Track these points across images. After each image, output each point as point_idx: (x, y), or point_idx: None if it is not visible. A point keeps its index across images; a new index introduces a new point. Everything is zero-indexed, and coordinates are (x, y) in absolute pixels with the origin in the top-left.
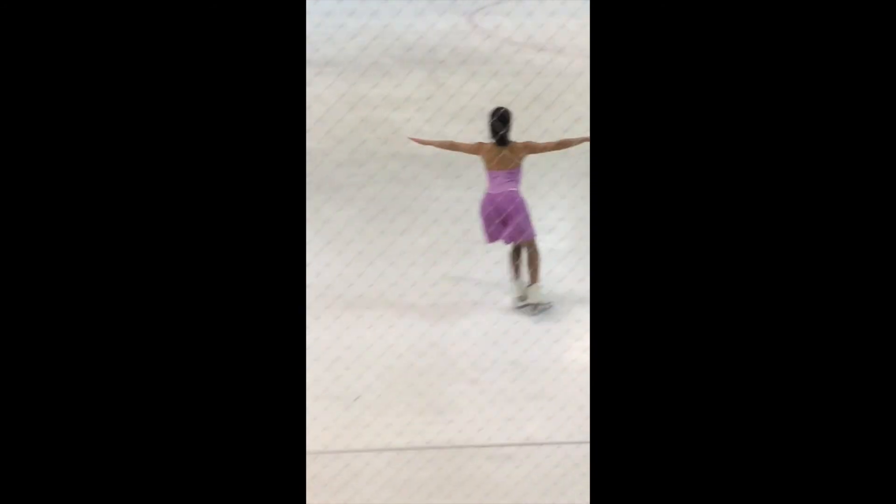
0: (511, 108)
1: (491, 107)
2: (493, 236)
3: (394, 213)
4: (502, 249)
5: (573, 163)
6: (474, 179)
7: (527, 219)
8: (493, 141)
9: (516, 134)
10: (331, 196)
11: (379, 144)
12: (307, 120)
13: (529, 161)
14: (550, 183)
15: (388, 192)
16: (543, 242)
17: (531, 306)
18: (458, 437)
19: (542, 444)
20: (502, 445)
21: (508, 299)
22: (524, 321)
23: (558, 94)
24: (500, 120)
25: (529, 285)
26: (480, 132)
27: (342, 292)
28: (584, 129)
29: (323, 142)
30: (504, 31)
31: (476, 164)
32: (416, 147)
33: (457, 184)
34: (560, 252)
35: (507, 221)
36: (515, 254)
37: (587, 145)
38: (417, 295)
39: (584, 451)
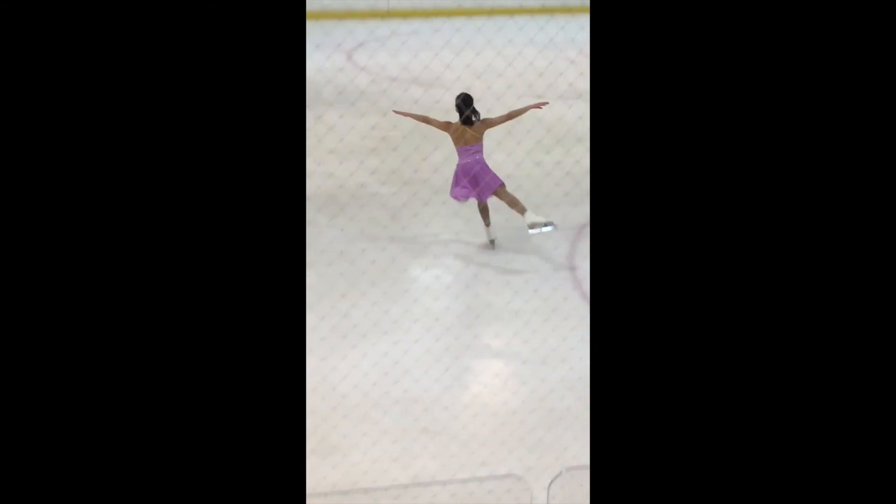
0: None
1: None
2: (464, 196)
3: None
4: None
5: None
6: (347, 222)
7: (493, 174)
8: (460, 121)
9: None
10: None
11: None
12: None
13: None
14: None
15: None
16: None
17: (538, 226)
18: (344, 482)
19: (429, 483)
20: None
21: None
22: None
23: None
24: (464, 103)
25: (525, 214)
26: (354, 172)
27: None
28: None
29: None
30: (378, 65)
31: None
32: None
33: (332, 224)
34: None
35: (477, 182)
36: (484, 208)
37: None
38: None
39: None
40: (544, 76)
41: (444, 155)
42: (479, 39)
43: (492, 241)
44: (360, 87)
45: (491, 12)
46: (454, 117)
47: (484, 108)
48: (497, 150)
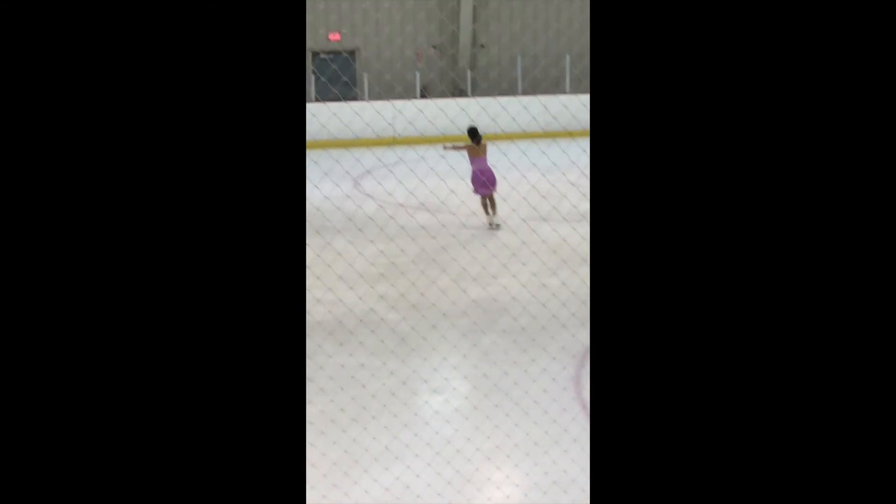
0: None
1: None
2: (482, 192)
3: None
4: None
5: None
6: (356, 347)
7: (491, 183)
8: (473, 143)
9: None
10: None
11: None
12: None
13: None
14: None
15: None
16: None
17: (495, 225)
18: None
19: None
20: None
21: None
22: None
23: (439, 251)
24: (473, 131)
25: (493, 215)
26: (363, 297)
27: None
28: (466, 284)
29: None
30: (386, 191)
31: None
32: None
33: (341, 350)
34: (446, 413)
35: (492, 181)
36: (485, 202)
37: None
38: (307, 466)
39: None
40: (548, 198)
41: (451, 278)
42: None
43: (497, 226)
44: (368, 214)
45: (494, 138)
46: (462, 237)
47: (480, 242)
48: (503, 273)
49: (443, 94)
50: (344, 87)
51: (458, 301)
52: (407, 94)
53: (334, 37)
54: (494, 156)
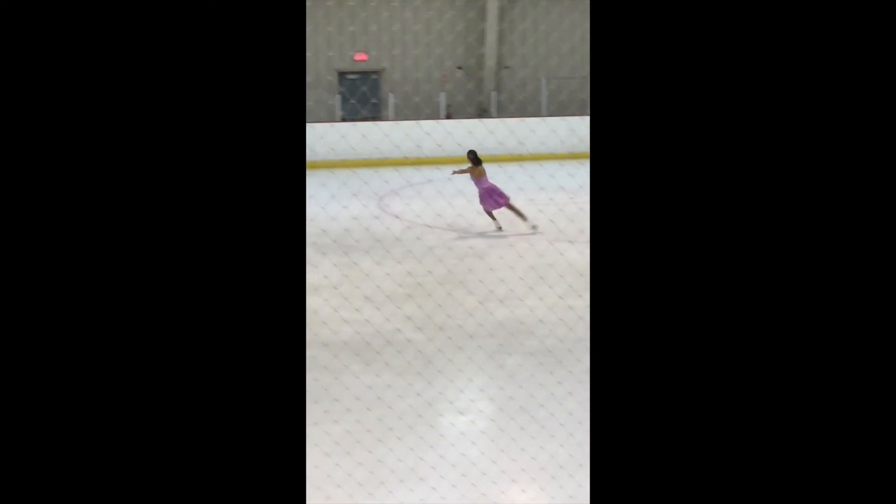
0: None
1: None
2: (501, 204)
3: (308, 402)
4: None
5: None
6: (383, 367)
7: (503, 193)
8: (475, 165)
9: None
10: None
11: None
12: None
13: None
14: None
15: (307, 377)
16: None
17: (534, 227)
18: None
19: None
20: None
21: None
22: None
23: (466, 273)
24: (474, 155)
25: (525, 220)
26: (390, 318)
27: None
28: (493, 306)
29: None
30: (413, 212)
31: None
32: (329, 335)
33: (368, 370)
34: (472, 433)
35: (503, 195)
36: (512, 210)
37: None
38: (332, 486)
39: None
40: (575, 220)
41: (477, 299)
42: (511, 185)
43: (534, 227)
44: (396, 234)
45: (520, 159)
46: (489, 259)
47: (515, 252)
48: (529, 295)
49: (468, 115)
50: (371, 108)
51: (485, 322)
52: (433, 114)
53: (360, 57)
54: (522, 178)
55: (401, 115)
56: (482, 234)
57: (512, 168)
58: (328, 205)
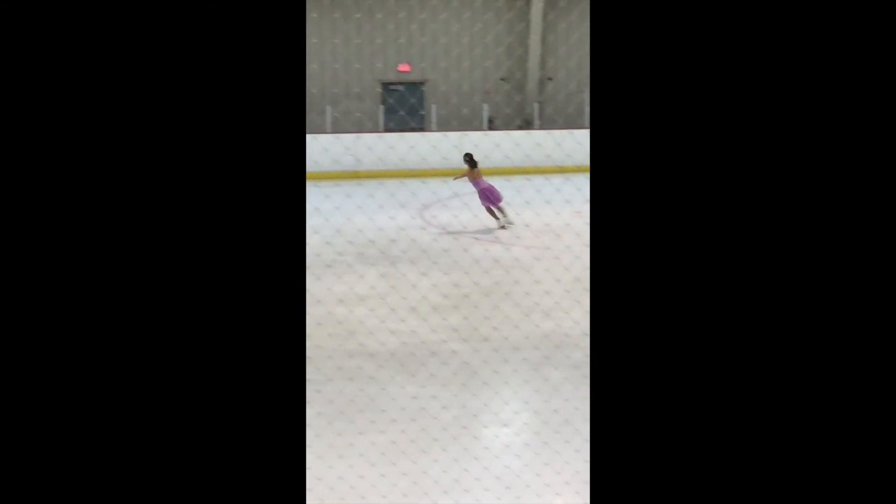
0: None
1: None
2: (496, 203)
3: (354, 412)
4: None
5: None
6: (428, 378)
7: (499, 193)
8: (472, 167)
9: None
10: None
11: (344, 339)
12: None
13: None
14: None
15: (353, 387)
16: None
17: (510, 224)
18: None
19: None
20: None
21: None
22: None
23: (512, 285)
24: (471, 158)
25: (506, 217)
26: (435, 329)
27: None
28: (538, 318)
29: None
30: (461, 223)
31: None
32: (375, 345)
33: (413, 381)
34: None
35: (499, 195)
36: (497, 211)
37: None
38: (377, 496)
39: None
40: None
41: (523, 311)
42: (559, 197)
43: (511, 223)
44: (442, 245)
45: (562, 171)
46: (535, 271)
47: (561, 265)
48: (575, 308)
49: (510, 125)
50: (416, 119)
51: (530, 335)
52: (475, 124)
53: (404, 68)
54: (568, 190)
55: (444, 126)
56: (528, 247)
57: (557, 180)
58: (375, 215)
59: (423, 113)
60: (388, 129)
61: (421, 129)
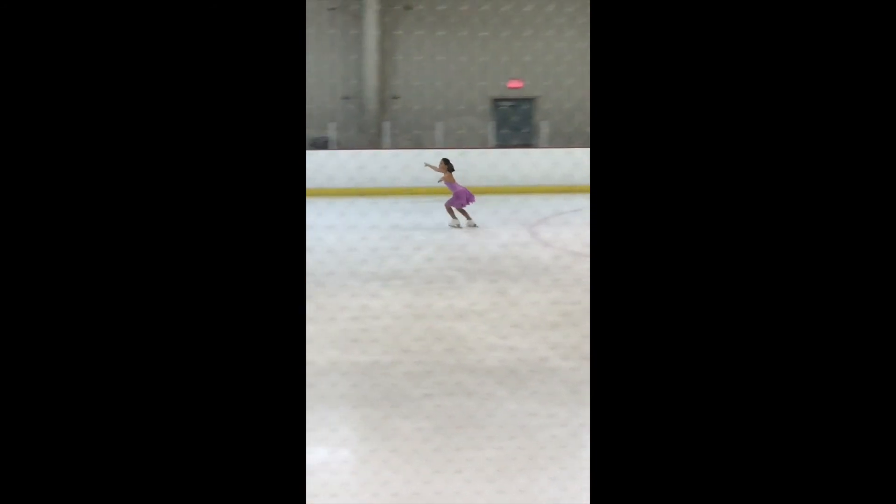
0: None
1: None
2: (465, 205)
3: (452, 429)
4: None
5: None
6: (527, 395)
7: (472, 195)
8: (450, 171)
9: None
10: (398, 405)
11: (444, 355)
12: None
13: None
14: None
15: (453, 402)
16: None
17: (472, 226)
18: None
19: None
20: None
21: None
22: None
23: None
24: (448, 161)
25: (469, 220)
26: (536, 346)
27: None
28: None
29: (392, 352)
30: (562, 240)
31: None
32: (478, 359)
33: (517, 395)
34: None
35: (470, 199)
36: (461, 213)
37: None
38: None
39: None
40: None
41: None
42: None
43: (466, 225)
44: (544, 263)
45: None
46: None
47: None
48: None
49: None
50: (523, 135)
51: None
52: (582, 143)
53: (514, 84)
54: None
55: (553, 143)
56: None
57: None
58: (477, 232)
59: (527, 129)
60: (497, 146)
61: (528, 145)
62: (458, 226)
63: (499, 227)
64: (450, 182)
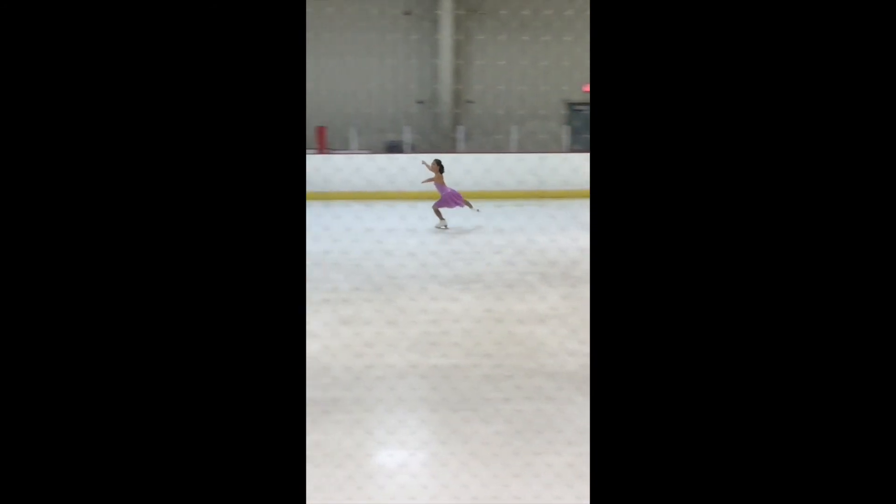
0: None
1: None
2: (453, 206)
3: (531, 433)
4: None
5: None
6: None
7: (461, 197)
8: (440, 172)
9: None
10: (477, 409)
11: (524, 359)
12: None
13: None
14: None
15: (531, 407)
16: None
17: (443, 227)
18: None
19: None
20: None
21: None
22: None
23: None
24: (440, 164)
25: (442, 220)
26: None
27: None
28: None
29: (471, 356)
30: None
31: None
32: (558, 364)
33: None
34: None
35: (458, 201)
36: (436, 213)
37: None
38: None
39: None
40: None
41: None
42: None
43: (446, 227)
44: None
45: None
46: None
47: None
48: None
49: None
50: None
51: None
52: None
53: (588, 88)
54: None
55: None
56: None
57: None
58: (556, 236)
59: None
60: (573, 150)
61: None
62: (446, 227)
63: (579, 231)
64: (439, 184)
